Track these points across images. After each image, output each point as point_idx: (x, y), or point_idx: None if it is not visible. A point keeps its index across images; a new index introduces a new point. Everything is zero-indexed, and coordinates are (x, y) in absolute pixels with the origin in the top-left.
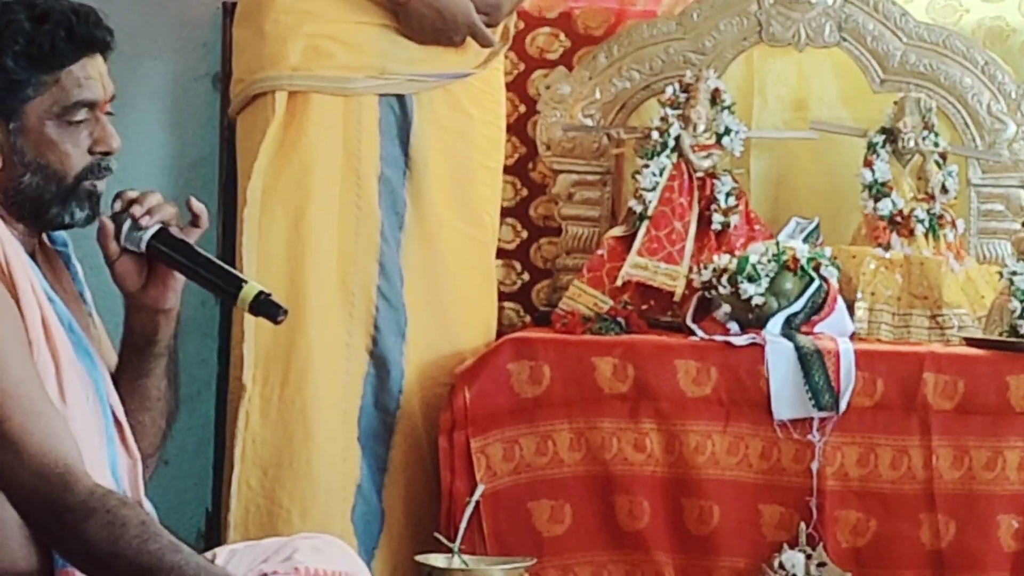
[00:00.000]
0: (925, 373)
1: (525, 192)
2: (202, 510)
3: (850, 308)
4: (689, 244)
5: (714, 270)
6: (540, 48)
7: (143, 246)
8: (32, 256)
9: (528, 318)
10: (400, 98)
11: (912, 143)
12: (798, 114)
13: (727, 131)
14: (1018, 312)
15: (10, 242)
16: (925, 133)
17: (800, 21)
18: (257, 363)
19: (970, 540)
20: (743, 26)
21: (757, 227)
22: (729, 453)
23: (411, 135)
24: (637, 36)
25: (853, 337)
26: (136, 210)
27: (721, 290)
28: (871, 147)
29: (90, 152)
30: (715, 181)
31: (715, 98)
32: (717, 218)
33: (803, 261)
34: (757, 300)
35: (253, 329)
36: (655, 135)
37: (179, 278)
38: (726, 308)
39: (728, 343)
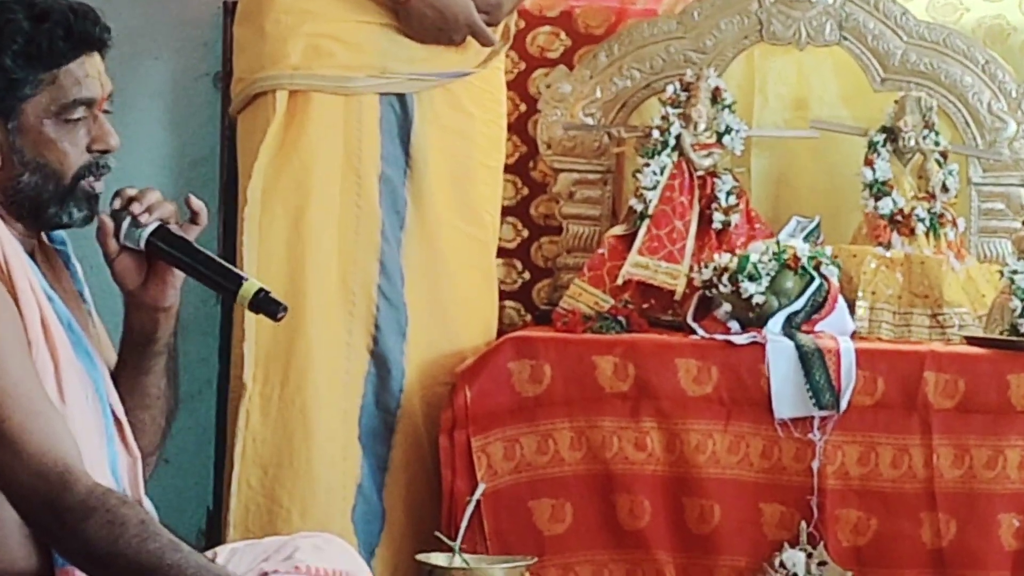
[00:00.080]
0: (926, 372)
1: (526, 191)
2: (203, 509)
3: (851, 307)
4: (690, 243)
5: (715, 269)
6: (541, 47)
7: (142, 243)
8: (31, 255)
9: (529, 317)
10: (401, 97)
11: (913, 142)
12: (799, 113)
13: (728, 130)
14: (1019, 311)
15: (9, 241)
16: (926, 132)
17: (801, 20)
18: (258, 362)
19: (971, 539)
20: (744, 25)
21: (758, 226)
22: (730, 452)
23: (412, 134)
24: (638, 35)
25: (854, 336)
26: (135, 207)
27: (722, 289)
28: (872, 146)
29: (88, 150)
30: (716, 180)
31: (716, 97)
32: (718, 217)
33: (804, 260)
34: (758, 299)
35: (254, 328)
36: (656, 134)
37: (178, 275)
38: (727, 307)
39: (729, 342)
